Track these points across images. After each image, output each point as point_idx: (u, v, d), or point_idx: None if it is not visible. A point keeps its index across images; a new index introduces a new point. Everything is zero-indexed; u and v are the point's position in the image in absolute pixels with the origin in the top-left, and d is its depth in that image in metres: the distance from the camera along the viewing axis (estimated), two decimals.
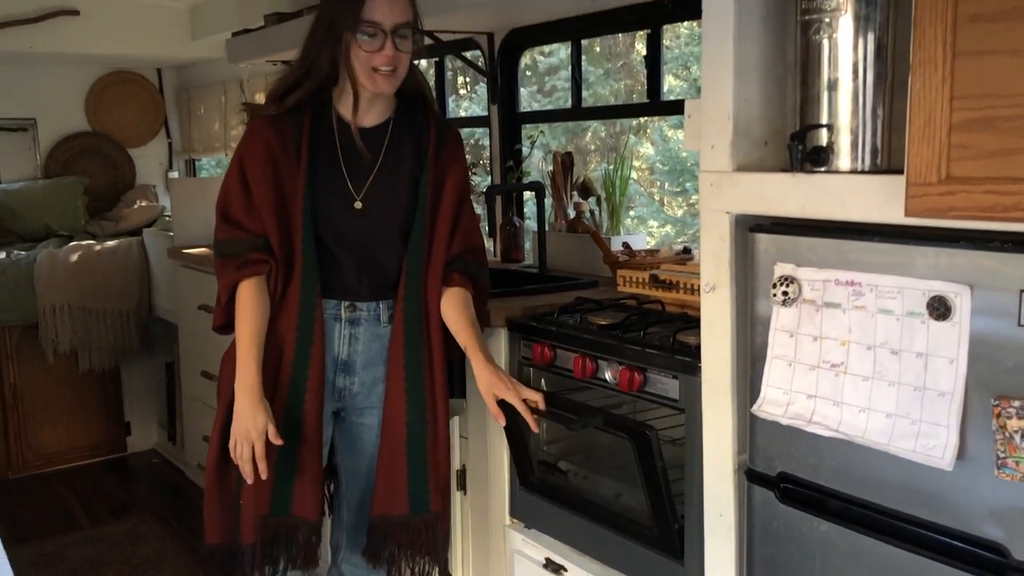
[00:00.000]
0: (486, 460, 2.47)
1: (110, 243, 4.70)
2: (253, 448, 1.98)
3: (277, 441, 1.99)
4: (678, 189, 6.12)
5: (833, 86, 1.55)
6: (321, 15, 2.05)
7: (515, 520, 2.43)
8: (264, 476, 2.00)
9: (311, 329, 2.08)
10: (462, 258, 2.16)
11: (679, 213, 6.11)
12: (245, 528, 2.09)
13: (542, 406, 2.02)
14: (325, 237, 2.09)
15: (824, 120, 1.56)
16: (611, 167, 3.10)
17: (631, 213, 5.45)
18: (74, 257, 4.53)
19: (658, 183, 6.26)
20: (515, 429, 2.31)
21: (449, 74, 4.05)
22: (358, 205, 2.10)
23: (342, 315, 2.12)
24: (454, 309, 2.13)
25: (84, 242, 4.70)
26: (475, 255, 2.19)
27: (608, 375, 2.06)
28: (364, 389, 2.17)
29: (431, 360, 2.15)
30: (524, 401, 2.02)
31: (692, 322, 2.01)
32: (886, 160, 1.54)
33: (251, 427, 1.98)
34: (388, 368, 2.14)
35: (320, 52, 2.04)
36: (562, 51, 5.65)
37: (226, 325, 2.15)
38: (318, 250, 2.08)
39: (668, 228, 5.91)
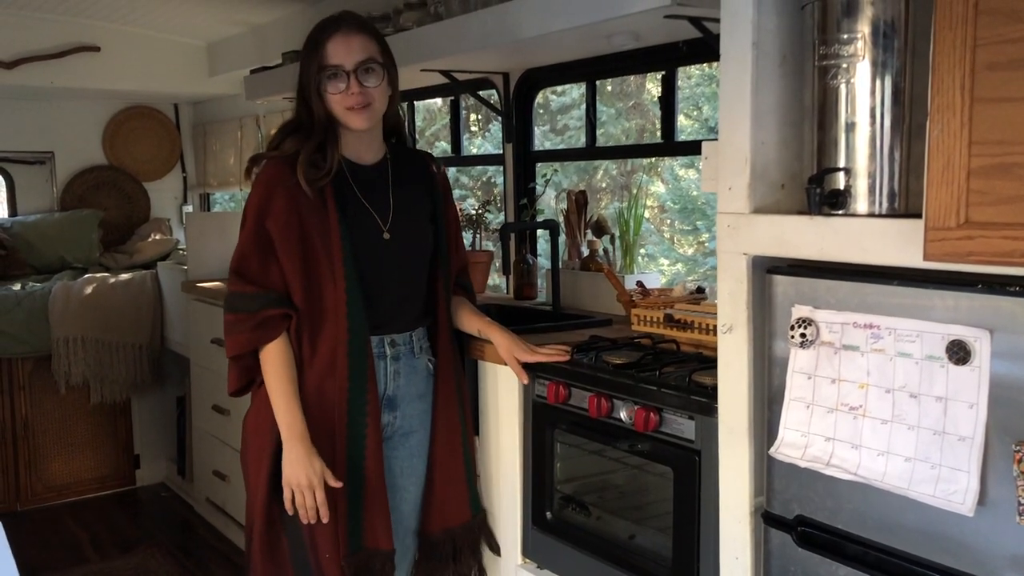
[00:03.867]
0: (499, 499, 2.46)
1: (124, 276, 4.73)
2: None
3: (336, 484, 2.05)
4: (689, 228, 6.14)
5: (851, 130, 1.57)
6: (300, 68, 2.15)
7: (528, 560, 2.41)
8: (325, 520, 2.05)
9: (364, 366, 2.12)
10: (461, 274, 2.41)
11: (690, 251, 6.13)
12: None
13: (562, 358, 2.23)
14: (365, 272, 2.13)
15: (842, 164, 1.57)
16: (625, 206, 3.12)
17: (642, 251, 5.47)
18: (88, 289, 4.56)
19: (669, 221, 6.29)
20: (538, 464, 2.32)
21: (462, 111, 4.09)
22: (387, 236, 2.17)
23: (386, 351, 2.19)
24: (464, 308, 2.39)
25: (98, 275, 4.73)
26: (467, 273, 2.45)
27: (623, 415, 2.06)
28: (405, 423, 2.25)
29: (463, 380, 2.37)
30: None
31: (708, 362, 2.01)
32: (904, 204, 1.55)
33: (311, 474, 2.03)
34: (437, 399, 2.28)
35: (311, 101, 2.11)
36: (574, 90, 5.71)
37: (244, 387, 2.18)
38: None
39: (679, 266, 5.92)
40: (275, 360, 2.09)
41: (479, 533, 2.39)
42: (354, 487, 2.11)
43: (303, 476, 2.03)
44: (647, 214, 5.49)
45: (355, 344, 2.11)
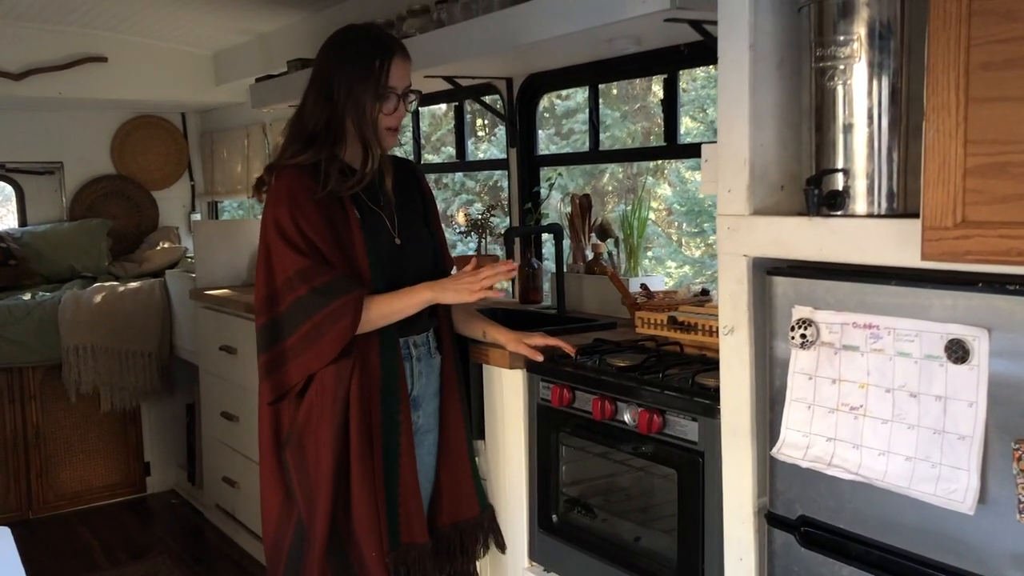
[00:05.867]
0: (505, 502, 2.47)
1: (133, 284, 4.76)
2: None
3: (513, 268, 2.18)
4: (696, 230, 6.14)
5: (848, 131, 1.57)
6: (335, 79, 2.15)
7: (534, 563, 2.42)
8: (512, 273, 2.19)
9: (395, 367, 2.18)
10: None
11: (697, 254, 6.12)
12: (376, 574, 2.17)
13: (568, 349, 2.27)
14: (385, 277, 2.18)
15: (840, 164, 1.58)
16: (629, 209, 3.12)
17: (649, 254, 5.47)
18: (97, 298, 4.59)
19: (676, 224, 6.29)
20: (544, 467, 2.32)
21: (468, 116, 4.10)
22: (398, 241, 2.24)
23: (412, 352, 2.26)
24: (463, 312, 2.43)
25: (107, 283, 4.76)
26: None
27: (627, 417, 2.06)
28: (425, 421, 2.30)
29: (466, 379, 2.42)
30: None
31: (711, 364, 2.02)
32: (902, 204, 1.55)
33: (460, 283, 2.12)
34: (444, 394, 2.33)
35: (338, 114, 2.15)
36: (579, 94, 5.72)
37: (281, 397, 2.18)
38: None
39: (686, 269, 5.92)
40: (375, 301, 2.10)
41: (487, 529, 2.43)
42: (390, 485, 2.17)
43: (463, 286, 2.11)
44: (653, 217, 5.49)
45: (386, 346, 2.17)
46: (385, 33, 2.27)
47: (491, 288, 2.13)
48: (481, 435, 2.51)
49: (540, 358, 2.29)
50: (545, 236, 3.52)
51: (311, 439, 2.15)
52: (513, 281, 3.41)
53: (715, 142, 1.77)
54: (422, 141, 4.41)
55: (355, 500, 2.14)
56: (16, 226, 5.20)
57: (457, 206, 6.74)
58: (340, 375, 2.12)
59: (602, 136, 3.43)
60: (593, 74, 3.20)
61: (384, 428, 2.16)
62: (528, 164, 3.48)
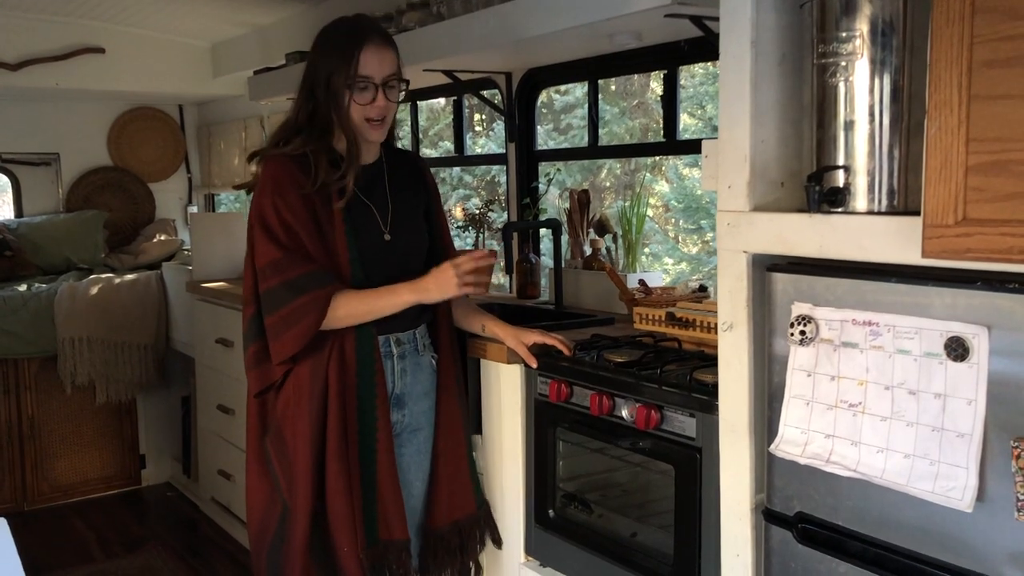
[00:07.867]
0: (501, 497, 2.47)
1: (129, 276, 4.75)
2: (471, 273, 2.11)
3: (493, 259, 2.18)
4: (693, 227, 6.14)
5: (850, 128, 1.57)
6: (316, 70, 2.14)
7: (530, 558, 2.42)
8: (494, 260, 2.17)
9: (372, 363, 2.15)
10: None
11: (694, 251, 6.12)
12: (351, 572, 2.15)
13: (565, 350, 2.25)
14: (368, 273, 2.15)
15: (841, 161, 1.57)
16: (627, 204, 3.12)
17: (646, 250, 5.46)
18: (94, 290, 4.58)
19: (673, 220, 6.28)
20: (541, 462, 2.32)
21: (465, 111, 4.09)
22: (387, 237, 2.21)
23: (393, 350, 2.22)
24: (463, 306, 2.42)
25: (104, 275, 4.75)
26: None
27: (625, 413, 2.06)
28: (413, 420, 2.28)
29: (462, 373, 2.39)
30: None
31: (709, 360, 2.02)
32: (903, 201, 1.55)
33: (445, 276, 2.10)
34: (441, 392, 2.31)
35: (321, 105, 2.13)
36: (577, 89, 5.71)
37: (267, 389, 2.18)
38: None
39: (683, 265, 5.92)
40: (350, 296, 2.09)
41: (484, 525, 2.43)
42: (367, 482, 2.15)
43: (446, 281, 2.09)
44: (651, 213, 5.48)
45: (362, 343, 2.14)
46: (365, 22, 2.19)
47: (477, 283, 2.10)
48: (478, 430, 2.51)
49: (534, 364, 2.28)
50: (543, 231, 3.52)
51: (289, 431, 2.15)
52: (511, 276, 3.41)
53: (715, 138, 1.77)
54: (420, 136, 4.40)
55: (330, 494, 2.13)
56: (12, 217, 5.18)
57: (455, 201, 6.73)
58: (316, 370, 2.12)
59: (601, 132, 3.42)
60: (593, 69, 3.19)
61: (361, 424, 2.14)
62: (527, 159, 3.47)
